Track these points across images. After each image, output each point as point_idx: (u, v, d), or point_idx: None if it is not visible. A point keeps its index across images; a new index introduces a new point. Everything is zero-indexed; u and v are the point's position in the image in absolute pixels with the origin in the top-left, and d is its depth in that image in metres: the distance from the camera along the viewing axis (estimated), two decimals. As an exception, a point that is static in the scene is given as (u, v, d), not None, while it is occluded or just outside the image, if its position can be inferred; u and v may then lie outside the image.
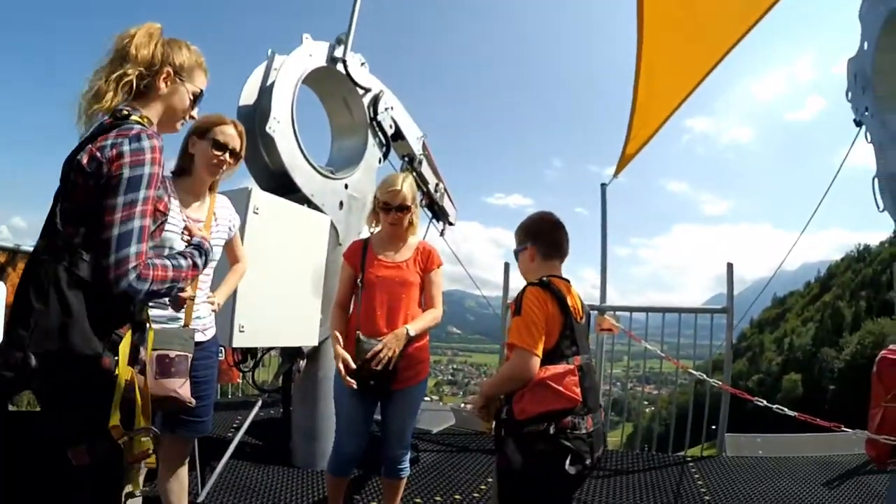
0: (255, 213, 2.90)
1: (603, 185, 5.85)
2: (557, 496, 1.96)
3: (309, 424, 3.69)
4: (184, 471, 2.27)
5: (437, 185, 4.99)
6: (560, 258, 2.13)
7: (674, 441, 4.99)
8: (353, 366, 2.32)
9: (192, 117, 1.67)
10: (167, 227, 1.62)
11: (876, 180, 3.20)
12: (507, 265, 5.56)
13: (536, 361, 1.83)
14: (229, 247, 2.40)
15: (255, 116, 3.28)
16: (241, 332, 2.89)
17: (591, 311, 3.05)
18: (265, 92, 3.35)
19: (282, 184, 3.37)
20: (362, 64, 3.97)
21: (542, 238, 2.12)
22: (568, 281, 2.07)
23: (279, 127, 3.27)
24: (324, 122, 4.26)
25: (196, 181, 2.19)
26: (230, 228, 2.34)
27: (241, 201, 2.81)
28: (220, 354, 2.39)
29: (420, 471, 3.95)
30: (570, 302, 1.96)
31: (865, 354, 51.71)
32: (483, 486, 3.72)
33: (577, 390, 1.85)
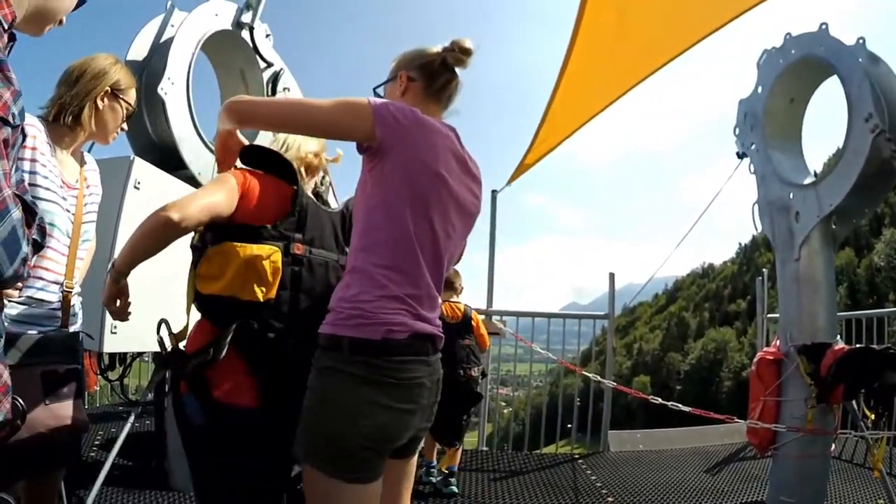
0: (135, 187, 2.44)
1: (494, 192, 5.84)
2: (444, 406, 2.66)
3: (188, 442, 3.19)
4: None
5: (323, 177, 4.64)
6: (453, 291, 3.83)
7: (531, 439, 5.25)
8: None
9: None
10: (43, 192, 1.46)
11: (756, 206, 3.55)
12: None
13: None
14: None
15: (144, 76, 2.82)
16: (113, 333, 2.44)
17: (480, 315, 4.22)
18: (159, 49, 2.91)
19: (165, 158, 2.91)
20: (267, 36, 3.61)
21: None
22: (452, 301, 3.74)
23: (172, 90, 2.83)
24: (207, 92, 3.82)
25: (82, 138, 1.76)
26: (98, 197, 1.89)
27: (118, 172, 2.36)
28: None
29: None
30: (445, 312, 3.43)
31: (708, 359, 58.59)
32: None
33: None
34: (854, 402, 2.86)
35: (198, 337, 1.53)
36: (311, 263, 1.58)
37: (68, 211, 1.66)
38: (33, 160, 1.52)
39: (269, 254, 1.48)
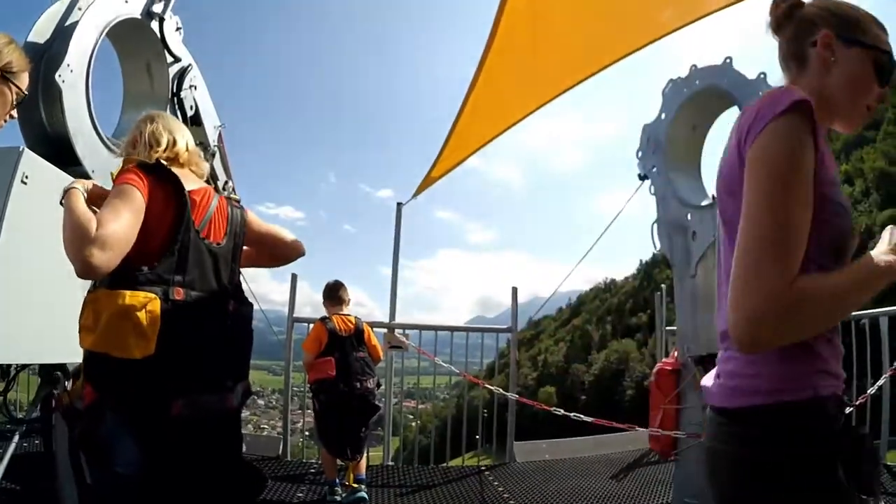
0: (23, 181, 2.19)
1: (399, 205, 5.75)
2: (333, 419, 3.62)
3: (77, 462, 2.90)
4: None
5: (226, 182, 4.46)
6: (341, 303, 3.92)
7: (436, 452, 5.41)
8: None
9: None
10: None
11: (655, 225, 3.75)
12: (293, 276, 5.22)
13: (310, 356, 3.68)
14: None
15: (43, 60, 2.57)
16: (-8, 343, 2.16)
17: (380, 330, 4.85)
18: (62, 32, 2.66)
19: (57, 151, 2.66)
20: (178, 29, 3.41)
21: (330, 296, 3.95)
22: (346, 314, 3.83)
23: (71, 78, 2.59)
24: (111, 85, 3.57)
25: None
26: None
27: (5, 164, 2.14)
28: None
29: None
30: (338, 326, 3.71)
31: (611, 369, 61.47)
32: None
33: (332, 371, 3.55)
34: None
35: (89, 392, 1.38)
36: (193, 310, 1.42)
37: None
38: None
39: (146, 302, 1.31)
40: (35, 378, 3.26)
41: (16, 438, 2.52)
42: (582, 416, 3.87)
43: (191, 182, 1.56)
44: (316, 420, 3.82)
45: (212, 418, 1.46)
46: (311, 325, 4.07)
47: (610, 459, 4.93)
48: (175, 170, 1.52)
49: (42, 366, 2.75)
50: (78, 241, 1.26)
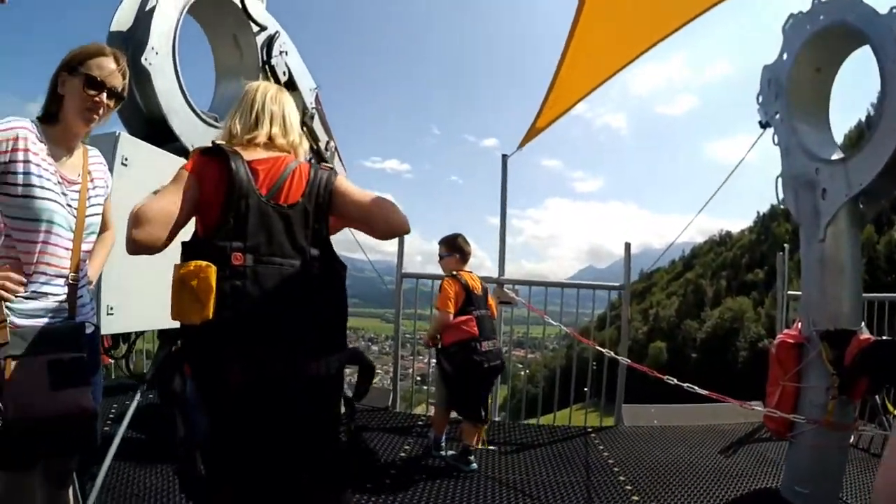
0: (123, 164, 2.36)
1: (504, 157, 5.58)
2: (473, 382, 3.59)
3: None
4: (66, 494, 1.82)
5: (327, 143, 4.55)
6: (467, 261, 3.84)
7: (544, 404, 5.42)
8: None
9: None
10: (38, 191, 1.54)
11: (779, 179, 3.37)
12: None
13: (448, 315, 3.53)
14: None
15: (129, 47, 2.68)
16: (109, 314, 2.40)
17: (491, 285, 4.78)
18: (143, 18, 2.76)
19: (156, 131, 2.82)
20: (260, -4, 3.45)
21: (459, 251, 3.84)
22: (470, 272, 3.79)
23: (157, 60, 2.71)
24: (207, 60, 3.69)
25: (66, 130, 1.68)
26: (106, 189, 1.88)
27: (105, 150, 2.23)
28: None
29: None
30: (469, 283, 3.65)
31: (725, 328, 58.31)
32: (396, 467, 3.47)
33: (475, 329, 3.50)
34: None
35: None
36: (258, 275, 1.42)
37: (69, 206, 1.67)
38: (26, 161, 1.53)
39: (197, 271, 1.35)
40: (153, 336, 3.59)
41: (137, 396, 2.79)
42: (696, 387, 3.62)
43: (258, 154, 1.56)
44: (446, 382, 3.72)
45: (281, 385, 1.43)
46: (429, 282, 4.65)
47: (720, 431, 4.67)
48: (240, 149, 1.53)
49: (160, 331, 3.01)
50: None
